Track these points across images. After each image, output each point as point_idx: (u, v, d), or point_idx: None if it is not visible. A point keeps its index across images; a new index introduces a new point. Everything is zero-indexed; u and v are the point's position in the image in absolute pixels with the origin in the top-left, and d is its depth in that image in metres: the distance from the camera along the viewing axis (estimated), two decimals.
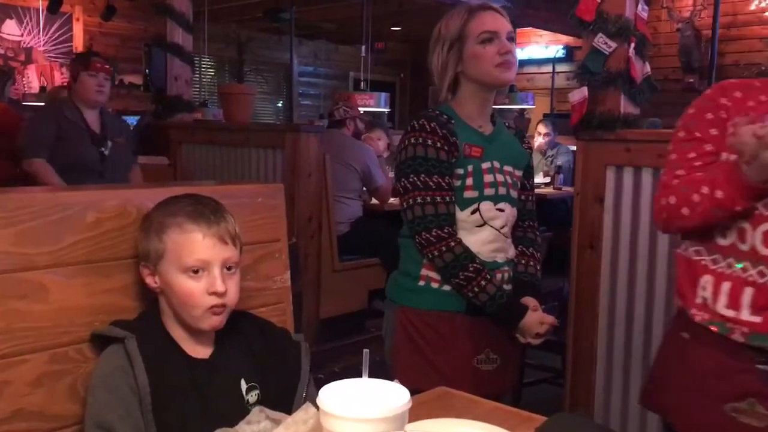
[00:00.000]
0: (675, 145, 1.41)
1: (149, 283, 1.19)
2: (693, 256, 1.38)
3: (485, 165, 1.71)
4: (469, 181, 1.69)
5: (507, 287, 1.75)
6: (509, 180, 1.76)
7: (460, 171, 1.69)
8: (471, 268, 1.65)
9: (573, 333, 2.58)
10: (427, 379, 1.60)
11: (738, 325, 1.30)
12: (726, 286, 1.31)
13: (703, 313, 1.35)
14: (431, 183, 1.65)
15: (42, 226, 1.15)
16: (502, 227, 1.74)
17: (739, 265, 1.30)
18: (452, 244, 1.65)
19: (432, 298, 1.71)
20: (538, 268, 1.86)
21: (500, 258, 1.74)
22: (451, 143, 1.67)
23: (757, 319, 1.27)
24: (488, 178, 1.71)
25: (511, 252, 1.79)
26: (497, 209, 1.73)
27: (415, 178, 1.66)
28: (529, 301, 1.74)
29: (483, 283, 1.66)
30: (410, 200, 1.67)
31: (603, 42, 2.47)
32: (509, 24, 1.72)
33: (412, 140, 1.67)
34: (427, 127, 1.67)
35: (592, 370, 2.54)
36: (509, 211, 1.76)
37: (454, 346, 1.71)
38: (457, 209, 1.69)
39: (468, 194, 1.70)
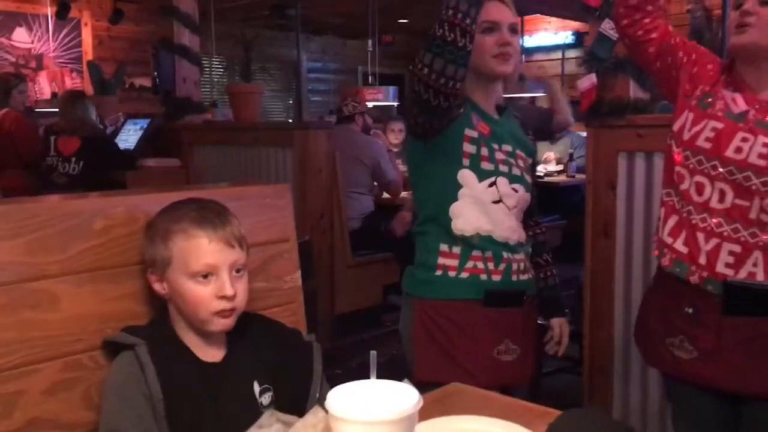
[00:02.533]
0: None
1: (157, 290, 1.20)
2: (664, 197, 1.61)
3: (494, 145, 1.71)
4: (484, 151, 1.68)
5: (524, 277, 1.76)
6: (521, 164, 1.76)
7: (474, 134, 1.68)
8: None
9: (589, 321, 2.56)
10: (446, 371, 1.60)
11: (670, 252, 1.56)
12: (673, 219, 1.57)
13: (658, 241, 1.62)
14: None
15: (50, 235, 1.16)
16: (514, 207, 1.73)
17: (678, 201, 1.56)
18: None
19: (449, 287, 1.70)
20: (555, 272, 1.92)
21: (513, 240, 1.73)
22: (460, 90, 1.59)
23: (683, 249, 1.54)
24: (500, 155, 1.71)
25: (523, 234, 1.78)
26: (512, 188, 1.72)
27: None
28: (555, 324, 1.89)
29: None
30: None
31: (610, 27, 2.43)
32: (513, 15, 1.71)
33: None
34: None
35: (609, 358, 2.52)
36: (522, 194, 1.75)
37: (473, 337, 1.70)
38: (476, 180, 1.68)
39: (485, 165, 1.68)
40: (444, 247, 1.71)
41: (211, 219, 1.17)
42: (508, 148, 1.73)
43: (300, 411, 1.10)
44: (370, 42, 6.64)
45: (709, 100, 1.55)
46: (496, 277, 1.70)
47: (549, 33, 9.03)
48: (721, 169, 1.49)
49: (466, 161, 1.68)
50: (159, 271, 1.18)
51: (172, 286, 1.17)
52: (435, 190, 1.72)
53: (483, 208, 1.69)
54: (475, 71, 1.70)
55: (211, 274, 1.15)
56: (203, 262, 1.15)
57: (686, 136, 1.55)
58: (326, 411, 0.81)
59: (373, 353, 0.82)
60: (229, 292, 1.15)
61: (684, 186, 1.54)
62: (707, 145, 1.50)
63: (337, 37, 9.62)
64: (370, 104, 4.87)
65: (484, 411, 1.13)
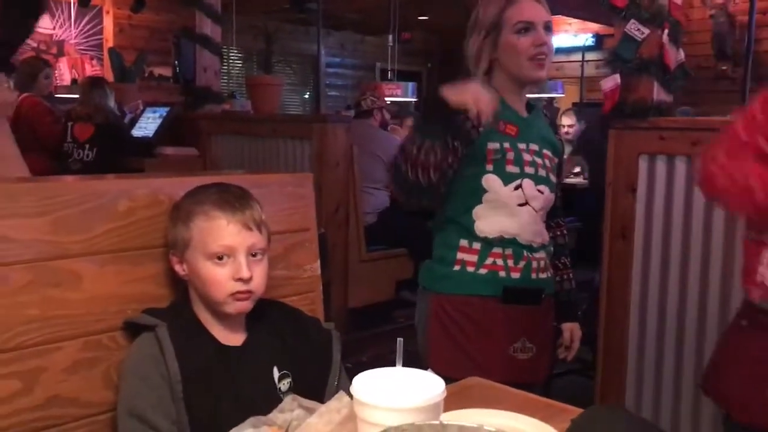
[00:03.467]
0: None
1: (178, 271, 1.20)
2: (759, 237, 1.34)
3: (521, 145, 1.69)
4: (510, 155, 1.67)
5: (543, 276, 1.75)
6: (548, 164, 1.74)
7: (496, 145, 1.66)
8: None
9: (604, 324, 2.54)
10: (461, 367, 1.59)
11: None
12: None
13: (760, 290, 1.31)
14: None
15: (75, 214, 1.16)
16: (540, 209, 1.72)
17: None
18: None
19: (466, 282, 1.69)
20: (572, 276, 1.90)
21: (537, 242, 1.72)
22: None
23: None
24: (527, 157, 1.69)
25: (546, 236, 1.77)
26: (537, 190, 1.71)
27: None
28: (566, 328, 1.86)
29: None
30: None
31: (636, 28, 2.42)
32: (547, 13, 1.69)
33: None
34: None
35: (623, 362, 2.50)
36: (547, 195, 1.73)
37: (489, 334, 1.70)
38: (501, 184, 1.66)
39: (510, 169, 1.67)
40: (464, 243, 1.70)
41: (231, 202, 1.17)
42: (535, 147, 1.72)
43: (318, 399, 1.10)
44: (390, 37, 6.62)
45: None
46: (515, 275, 1.69)
47: (569, 35, 8.99)
48: None
49: (489, 166, 1.66)
50: (180, 253, 1.19)
51: (191, 267, 1.17)
52: (458, 194, 1.69)
53: (509, 211, 1.67)
54: (508, 74, 1.69)
55: (228, 256, 1.16)
56: (220, 243, 1.15)
57: None
58: (350, 396, 0.81)
59: (400, 340, 0.82)
60: (245, 274, 1.15)
61: None
62: None
63: (355, 32, 9.62)
64: (388, 100, 4.85)
65: (503, 406, 1.12)
